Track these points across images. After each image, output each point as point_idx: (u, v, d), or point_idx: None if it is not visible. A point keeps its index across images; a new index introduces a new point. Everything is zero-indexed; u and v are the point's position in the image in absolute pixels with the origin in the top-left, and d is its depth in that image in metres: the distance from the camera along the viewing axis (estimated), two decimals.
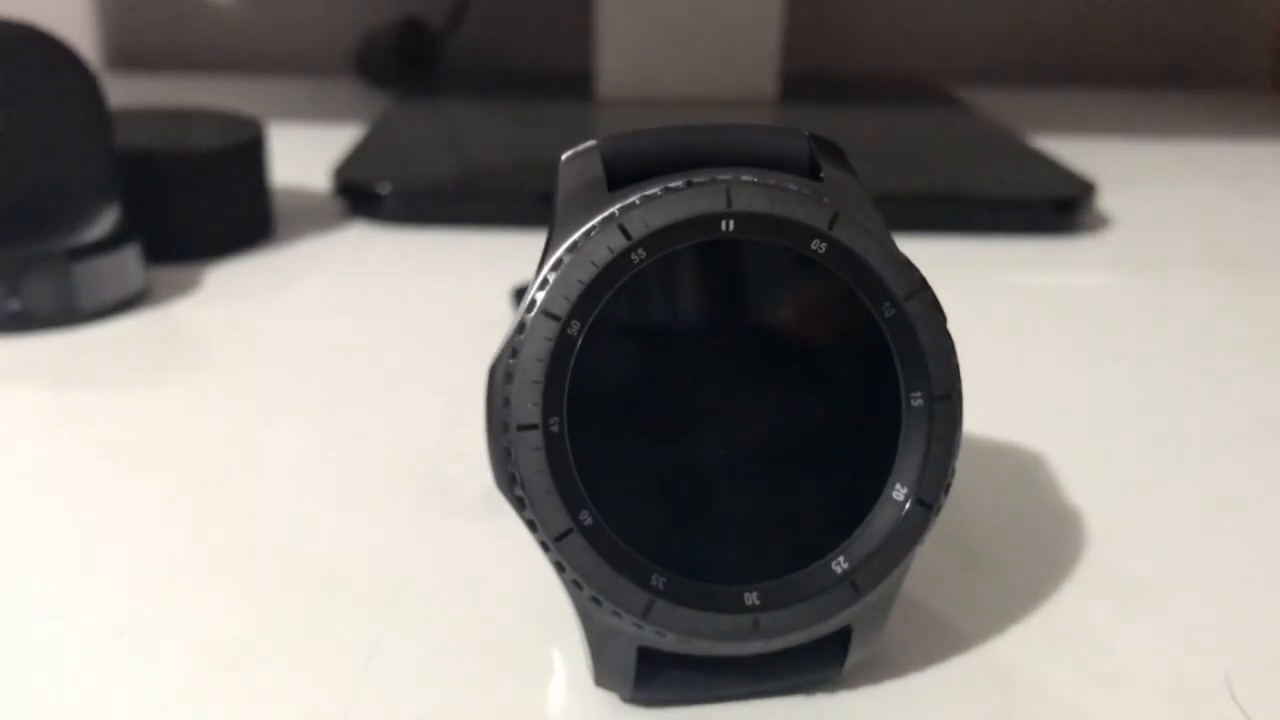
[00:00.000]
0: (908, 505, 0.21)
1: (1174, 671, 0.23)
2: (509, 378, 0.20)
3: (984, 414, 0.33)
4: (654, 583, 0.20)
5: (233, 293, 0.42)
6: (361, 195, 0.49)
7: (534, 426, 0.20)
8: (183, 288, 0.42)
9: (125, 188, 0.41)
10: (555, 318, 0.20)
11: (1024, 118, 0.69)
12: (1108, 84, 0.83)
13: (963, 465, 0.30)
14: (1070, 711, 0.22)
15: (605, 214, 0.20)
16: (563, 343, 0.20)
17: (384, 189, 0.49)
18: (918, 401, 0.21)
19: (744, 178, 0.21)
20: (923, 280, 0.21)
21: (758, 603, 0.21)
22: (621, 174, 0.21)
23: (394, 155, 0.54)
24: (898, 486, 0.21)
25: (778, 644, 0.21)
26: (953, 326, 0.21)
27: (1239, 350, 0.39)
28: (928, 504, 0.21)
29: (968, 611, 0.25)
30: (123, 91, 0.74)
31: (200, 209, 0.44)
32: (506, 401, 0.20)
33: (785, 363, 0.21)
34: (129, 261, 0.40)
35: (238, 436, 0.32)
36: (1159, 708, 0.22)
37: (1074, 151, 0.61)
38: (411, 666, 0.23)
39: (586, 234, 0.20)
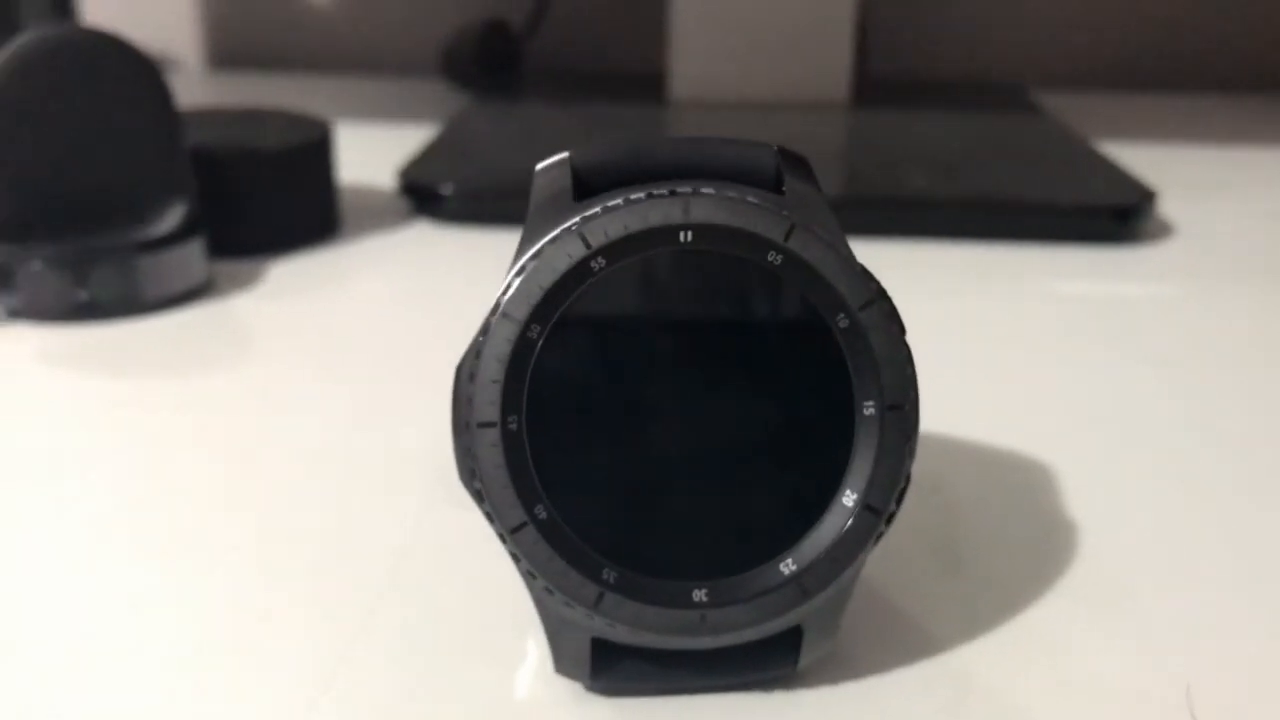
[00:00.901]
0: (856, 511, 0.22)
1: (1137, 683, 0.23)
2: (472, 377, 0.21)
3: (1007, 422, 0.34)
4: (605, 576, 0.21)
5: (292, 287, 0.44)
6: (425, 195, 0.51)
7: (493, 424, 0.21)
8: (245, 281, 0.44)
9: (195, 185, 0.43)
10: (515, 320, 0.21)
11: (1100, 123, 0.68)
12: (1193, 90, 0.81)
13: (972, 473, 0.31)
14: (1021, 716, 0.22)
15: (569, 223, 0.21)
16: (523, 345, 0.21)
17: (446, 189, 0.51)
18: (870, 410, 0.22)
19: (704, 190, 0.21)
20: (879, 291, 0.22)
21: (706, 599, 0.21)
22: (593, 184, 0.22)
23: (460, 156, 0.56)
24: (848, 493, 0.22)
25: (726, 640, 0.22)
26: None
27: None
28: (877, 510, 0.22)
29: (941, 616, 0.26)
30: (221, 90, 0.78)
31: (266, 206, 0.47)
32: (469, 400, 0.21)
33: (741, 370, 0.22)
34: (193, 255, 0.42)
35: (275, 423, 0.34)
36: (1113, 717, 0.22)
37: (1147, 158, 0.60)
38: (394, 643, 0.24)
39: (550, 241, 0.21)
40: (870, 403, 0.22)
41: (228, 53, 0.84)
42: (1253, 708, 0.23)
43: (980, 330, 0.41)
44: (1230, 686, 0.23)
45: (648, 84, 0.69)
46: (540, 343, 0.21)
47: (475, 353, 0.21)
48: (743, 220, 0.21)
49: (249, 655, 0.24)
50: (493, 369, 0.21)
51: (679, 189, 0.21)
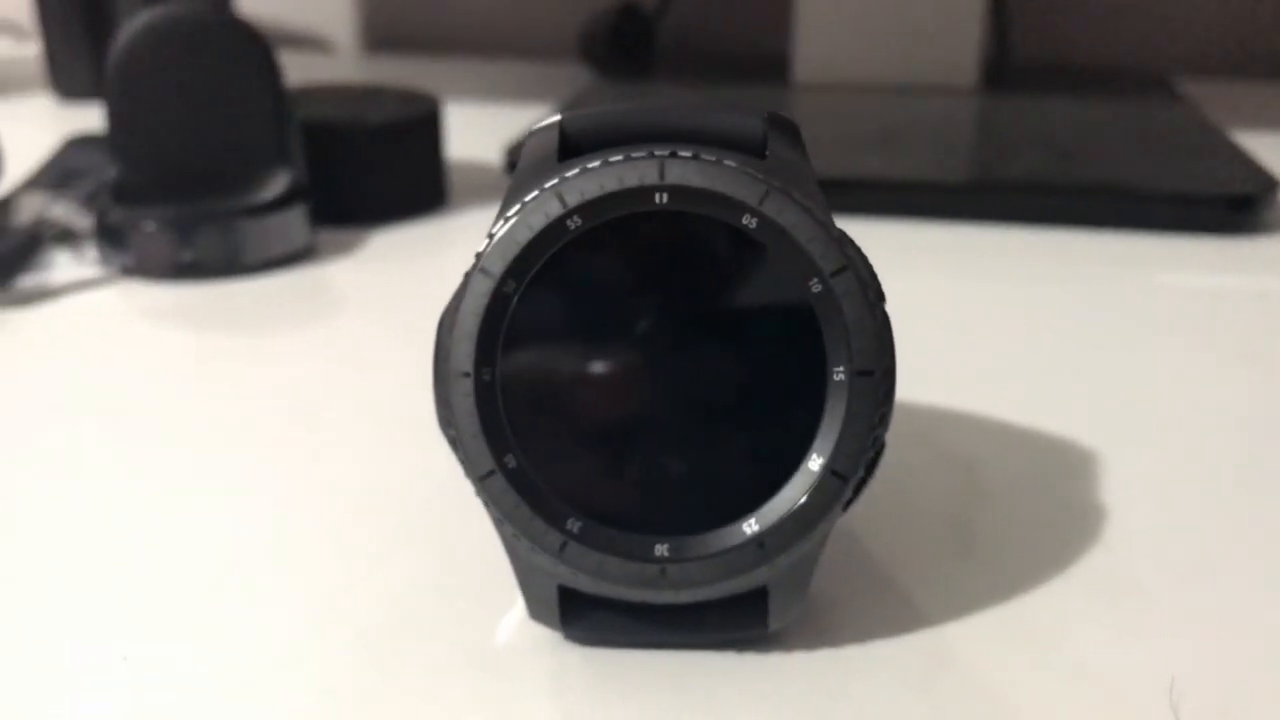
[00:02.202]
0: (822, 476, 0.22)
1: (1120, 673, 0.23)
2: (450, 329, 0.22)
3: (1068, 412, 0.33)
4: (569, 526, 0.22)
5: (389, 256, 0.46)
6: None
7: (467, 375, 0.22)
8: (347, 249, 0.46)
9: (301, 155, 0.45)
10: (492, 276, 0.22)
11: (1245, 113, 0.65)
12: None
13: (1014, 457, 0.30)
14: (988, 695, 0.22)
15: (549, 183, 0.22)
16: (498, 299, 0.22)
17: None
18: (840, 376, 0.22)
19: (681, 153, 0.22)
20: (856, 257, 0.22)
21: (667, 554, 0.22)
22: (583, 147, 0.23)
23: None
24: (814, 457, 0.22)
25: (687, 596, 0.22)
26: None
27: None
28: (842, 476, 0.22)
29: (937, 594, 0.25)
30: (368, 70, 0.81)
31: (372, 177, 0.49)
32: (447, 351, 0.22)
33: (714, 331, 0.22)
34: (294, 222, 0.44)
35: (347, 380, 0.35)
36: (1088, 701, 0.22)
37: None
38: (399, 581, 0.26)
39: (529, 201, 0.22)
40: (840, 368, 0.22)
41: (381, 35, 0.87)
42: (1236, 708, 0.22)
43: (1071, 319, 0.40)
44: (1219, 685, 0.22)
45: (774, 66, 0.69)
46: (516, 298, 0.22)
47: (455, 306, 0.22)
48: (718, 183, 0.21)
49: (278, 571, 0.26)
50: (469, 322, 0.22)
51: (657, 151, 0.22)
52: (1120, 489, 0.29)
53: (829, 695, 0.22)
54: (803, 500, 0.22)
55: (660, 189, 0.22)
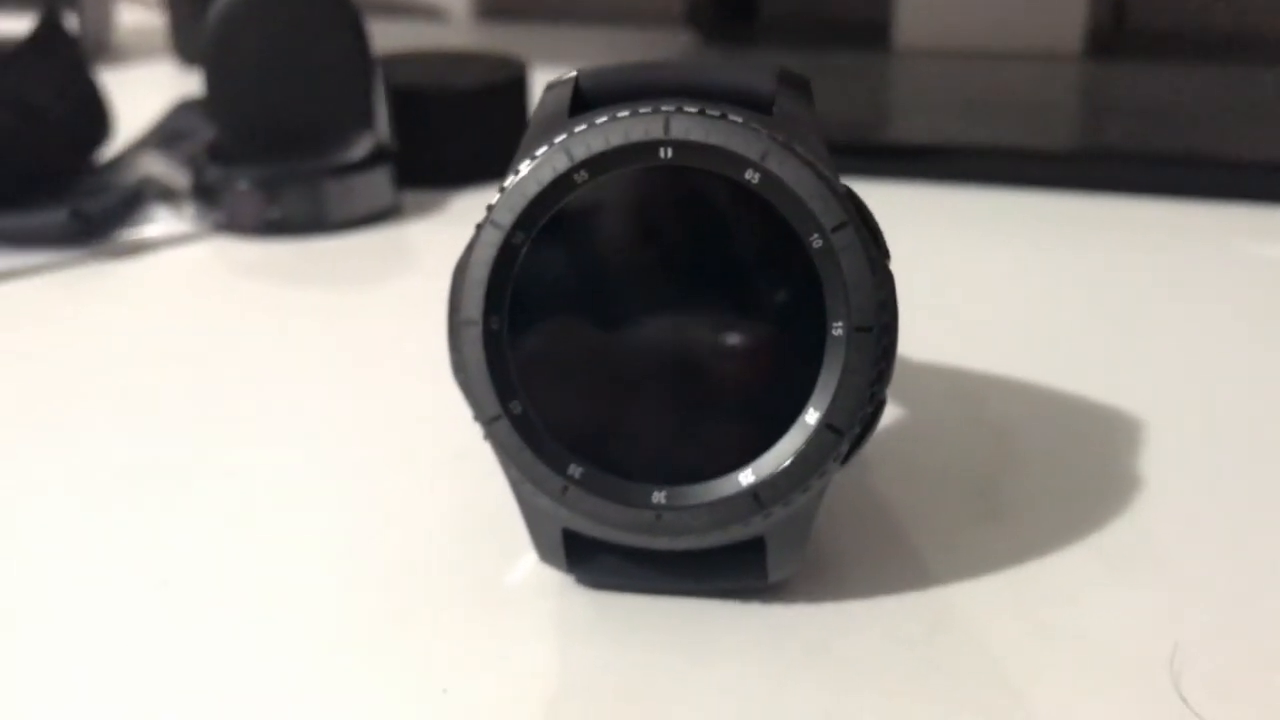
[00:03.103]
0: (817, 430, 0.22)
1: (1124, 640, 0.22)
2: (462, 278, 0.23)
3: (1119, 382, 0.32)
4: (570, 471, 0.23)
5: (470, 217, 0.46)
6: None
7: (475, 323, 0.23)
8: (430, 209, 0.48)
9: (386, 119, 0.47)
10: (501, 227, 0.22)
11: None
12: None
13: (1056, 425, 0.30)
14: (982, 656, 0.22)
15: (559, 138, 0.23)
16: (506, 250, 0.22)
17: None
18: (838, 331, 0.22)
19: (687, 108, 0.22)
20: (858, 212, 0.22)
21: (663, 501, 0.22)
22: (597, 102, 0.23)
23: None
24: (811, 411, 0.22)
25: (682, 543, 0.23)
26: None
27: None
28: (838, 430, 0.22)
29: (950, 555, 0.25)
30: (474, 37, 0.82)
31: (458, 141, 0.50)
32: (458, 299, 0.23)
33: (716, 284, 0.22)
34: (378, 182, 0.46)
35: (410, 333, 0.37)
36: (1082, 667, 0.22)
37: None
38: (426, 523, 0.27)
39: (539, 154, 0.23)
40: (839, 323, 0.22)
41: (495, 3, 0.89)
42: (1239, 680, 0.21)
43: (1155, 290, 0.39)
44: (1224, 659, 0.22)
45: (875, 31, 0.68)
46: (524, 249, 0.22)
47: (466, 256, 0.23)
48: (721, 138, 0.22)
49: (316, 507, 0.27)
50: (478, 272, 0.23)
51: (664, 107, 0.22)
52: (1160, 463, 0.29)
53: (823, 649, 0.23)
54: (798, 453, 0.22)
55: (664, 144, 0.22)
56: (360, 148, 0.46)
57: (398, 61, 0.53)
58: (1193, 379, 0.33)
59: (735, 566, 0.23)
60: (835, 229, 0.22)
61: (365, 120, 0.46)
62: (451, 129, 0.50)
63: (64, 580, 0.25)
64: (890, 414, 0.31)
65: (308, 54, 0.45)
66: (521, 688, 0.22)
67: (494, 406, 0.23)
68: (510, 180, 0.23)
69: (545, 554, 0.24)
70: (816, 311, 0.22)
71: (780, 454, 0.22)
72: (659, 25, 0.83)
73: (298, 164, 0.45)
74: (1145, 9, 0.72)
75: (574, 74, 0.24)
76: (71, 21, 0.70)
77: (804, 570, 0.24)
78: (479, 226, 0.23)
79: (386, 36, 0.78)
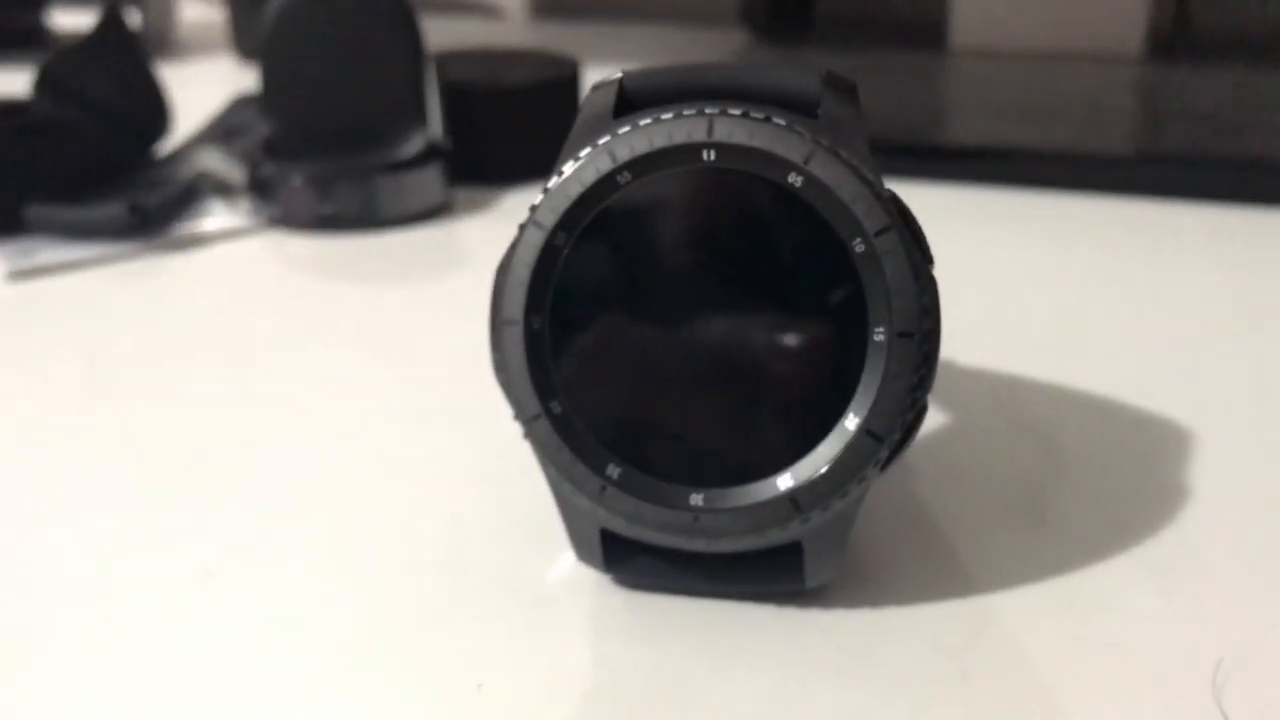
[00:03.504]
0: (857, 435, 0.22)
1: (1163, 652, 0.22)
2: (505, 278, 0.23)
3: (1182, 392, 0.32)
4: (609, 472, 0.23)
5: (520, 214, 0.47)
6: None
7: (517, 322, 0.23)
8: (481, 206, 0.48)
9: (439, 117, 0.47)
10: (543, 228, 0.23)
11: None
12: None
13: (1107, 435, 0.30)
14: (1017, 664, 0.22)
15: (602, 139, 0.23)
16: (548, 251, 0.23)
17: None
18: (880, 336, 0.22)
19: (730, 111, 0.22)
20: (902, 217, 0.22)
21: (701, 504, 0.22)
22: (641, 104, 0.23)
23: None
24: (851, 416, 0.22)
25: (721, 546, 0.23)
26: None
27: None
28: (878, 436, 0.22)
29: (991, 562, 0.25)
30: (533, 36, 0.83)
31: (510, 139, 0.50)
32: (500, 298, 0.23)
33: (759, 288, 0.22)
34: (429, 179, 0.46)
35: (468, 331, 0.37)
36: (1124, 678, 0.22)
37: None
38: (469, 518, 0.27)
39: (583, 155, 0.23)
40: (881, 329, 0.22)
41: (551, 1, 0.89)
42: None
43: (1212, 298, 0.38)
44: (1270, 675, 0.22)
45: (931, 31, 0.67)
46: (566, 250, 0.23)
47: (509, 255, 0.23)
48: (764, 141, 0.22)
49: (356, 505, 0.27)
50: (520, 272, 0.23)
51: (708, 109, 0.22)
52: (1209, 474, 0.28)
53: (855, 655, 0.22)
54: (837, 458, 0.22)
55: (708, 146, 0.22)
56: (413, 145, 0.46)
57: (451, 59, 0.53)
58: (1248, 388, 0.32)
59: (773, 571, 0.23)
60: (878, 233, 0.21)
61: (418, 117, 0.47)
62: (503, 127, 0.50)
63: (107, 566, 0.26)
64: (935, 419, 0.30)
65: (362, 51, 0.46)
66: (554, 686, 0.22)
67: (534, 406, 0.23)
68: (554, 181, 0.23)
69: (583, 554, 0.24)
70: (859, 316, 0.22)
71: (819, 459, 0.22)
72: (714, 23, 0.83)
73: (351, 160, 0.45)
74: (1207, 10, 0.71)
75: (619, 75, 0.24)
76: (134, 17, 0.72)
77: (843, 576, 0.24)
78: (522, 226, 0.23)
79: (442, 33, 0.78)
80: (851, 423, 0.22)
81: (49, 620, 0.24)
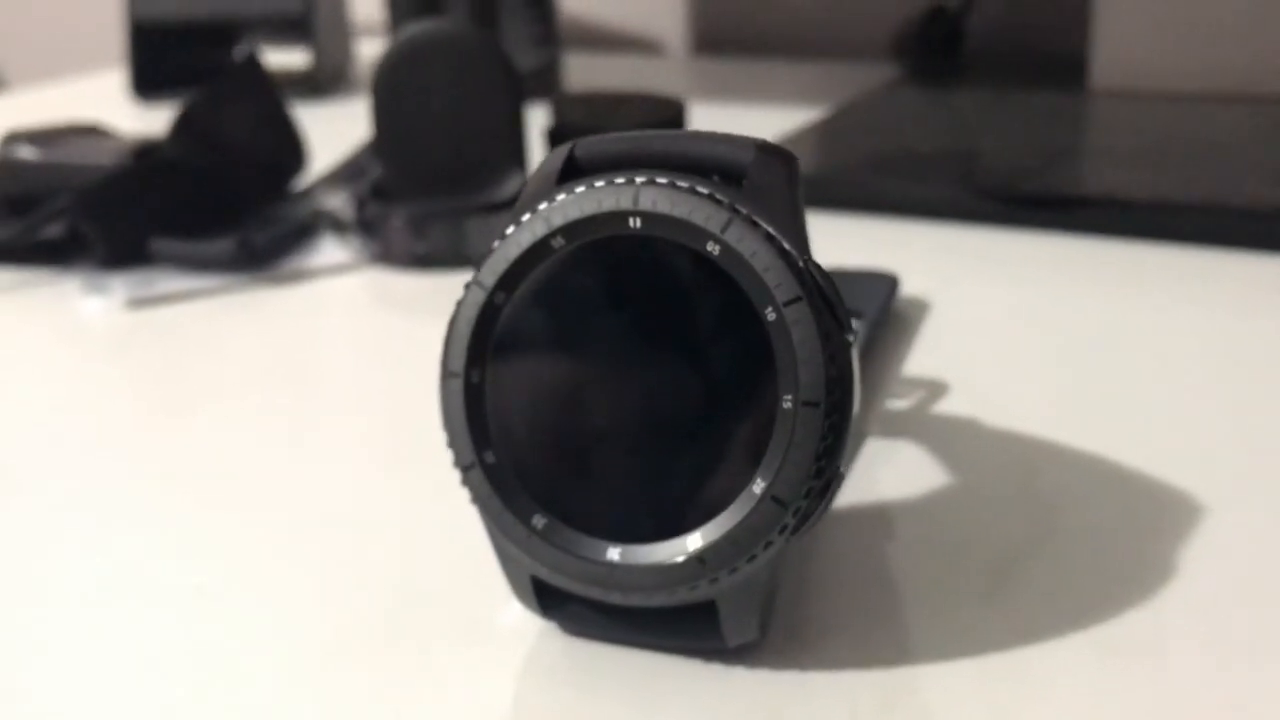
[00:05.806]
0: (762, 500, 0.22)
1: None
2: (451, 333, 0.24)
3: (1214, 463, 0.31)
4: (534, 522, 0.24)
5: None
6: None
7: (458, 375, 0.24)
8: None
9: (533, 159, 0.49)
10: (484, 287, 0.24)
11: None
12: None
13: (1119, 508, 0.29)
14: None
15: (542, 205, 0.24)
16: (488, 309, 0.24)
17: None
18: (788, 404, 0.22)
19: (658, 179, 0.23)
20: (819, 287, 0.22)
21: (617, 559, 0.23)
22: (589, 170, 0.24)
23: (820, 138, 0.57)
24: (758, 481, 0.22)
25: (635, 600, 0.23)
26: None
27: None
28: (782, 502, 0.22)
29: (940, 632, 0.25)
30: (692, 72, 0.84)
31: None
32: (445, 352, 0.24)
33: (679, 351, 0.23)
34: None
35: None
36: None
37: None
38: (438, 551, 0.28)
39: (525, 220, 0.24)
40: (789, 396, 0.22)
41: (710, 37, 0.90)
42: None
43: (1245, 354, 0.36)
44: None
45: (1074, 69, 0.65)
46: (505, 309, 0.24)
47: (456, 312, 0.24)
48: (685, 210, 0.22)
49: (350, 541, 0.29)
50: (463, 328, 0.24)
51: (638, 178, 0.23)
52: (1209, 556, 0.27)
53: (768, 713, 0.23)
54: (741, 522, 0.22)
55: (634, 214, 0.23)
56: (509, 187, 0.48)
57: (567, 101, 0.55)
58: (1260, 449, 0.31)
59: (694, 627, 0.24)
60: (788, 303, 0.22)
61: (515, 161, 0.49)
62: None
63: (166, 588, 0.28)
64: (943, 479, 0.30)
65: (463, 97, 0.48)
66: None
67: (469, 455, 0.24)
68: (496, 243, 0.24)
69: (519, 596, 0.25)
70: (769, 383, 0.22)
71: (726, 521, 0.22)
72: (867, 57, 0.82)
73: (450, 201, 0.48)
74: None
75: (572, 144, 0.25)
76: (307, 55, 0.77)
77: (781, 633, 0.25)
78: (467, 286, 0.24)
79: (593, 71, 0.81)
80: (758, 487, 0.22)
81: (49, 620, 0.27)
